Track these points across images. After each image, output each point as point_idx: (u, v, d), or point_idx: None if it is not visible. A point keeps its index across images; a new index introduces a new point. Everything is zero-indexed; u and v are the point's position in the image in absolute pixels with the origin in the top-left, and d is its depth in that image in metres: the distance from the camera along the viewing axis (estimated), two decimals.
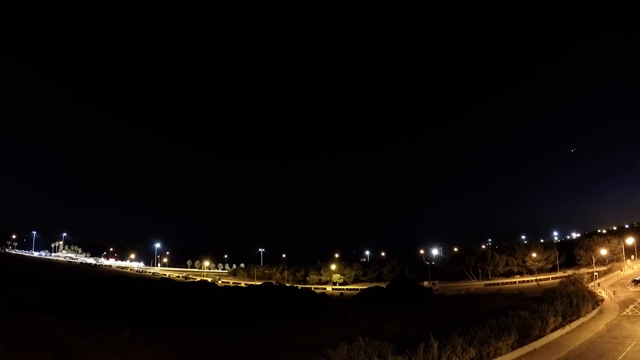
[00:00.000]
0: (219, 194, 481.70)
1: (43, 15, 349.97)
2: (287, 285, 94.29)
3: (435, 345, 30.66)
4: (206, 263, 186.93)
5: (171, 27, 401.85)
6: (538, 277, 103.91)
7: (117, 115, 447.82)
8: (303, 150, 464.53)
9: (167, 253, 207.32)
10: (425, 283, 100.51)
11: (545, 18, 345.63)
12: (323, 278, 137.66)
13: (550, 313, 43.78)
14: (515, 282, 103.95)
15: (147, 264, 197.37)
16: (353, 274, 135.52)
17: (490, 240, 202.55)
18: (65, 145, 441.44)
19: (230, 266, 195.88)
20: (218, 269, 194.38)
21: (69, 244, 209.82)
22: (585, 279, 74.56)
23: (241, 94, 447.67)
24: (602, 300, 60.59)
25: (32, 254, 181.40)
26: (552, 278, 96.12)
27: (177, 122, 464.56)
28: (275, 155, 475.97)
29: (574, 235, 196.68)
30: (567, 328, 44.75)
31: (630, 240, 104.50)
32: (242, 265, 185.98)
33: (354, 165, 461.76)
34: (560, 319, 44.62)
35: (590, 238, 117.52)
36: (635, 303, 58.23)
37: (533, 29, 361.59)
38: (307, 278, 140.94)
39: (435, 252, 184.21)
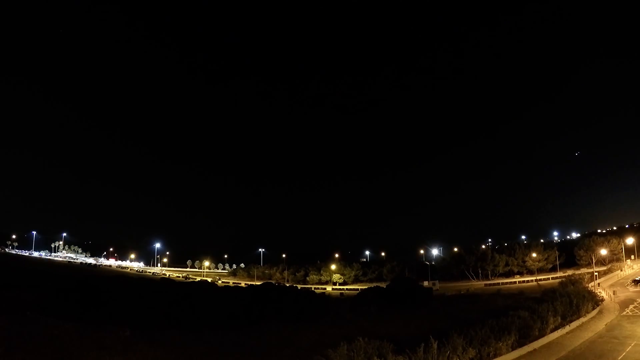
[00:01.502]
0: (219, 194, 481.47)
1: (42, 22, 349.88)
2: (287, 285, 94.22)
3: (435, 345, 30.61)
4: (206, 263, 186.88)
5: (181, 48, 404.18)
6: (538, 277, 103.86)
7: (119, 118, 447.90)
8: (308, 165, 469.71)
9: (167, 253, 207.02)
10: (425, 283, 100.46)
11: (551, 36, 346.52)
12: (323, 278, 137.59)
13: (550, 313, 43.68)
14: (515, 282, 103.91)
15: (147, 264, 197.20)
16: (353, 274, 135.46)
17: (490, 240, 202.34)
18: (65, 147, 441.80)
19: (230, 266, 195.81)
20: (218, 269, 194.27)
21: (69, 244, 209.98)
22: (585, 279, 74.61)
23: (245, 115, 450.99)
24: (602, 300, 60.48)
25: (32, 254, 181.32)
26: (552, 278, 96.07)
27: (178, 127, 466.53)
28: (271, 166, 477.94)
29: (574, 235, 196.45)
30: (567, 328, 44.68)
31: (630, 240, 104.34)
32: (242, 265, 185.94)
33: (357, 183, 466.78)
34: (560, 319, 44.51)
35: (590, 238, 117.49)
36: (635, 303, 58.17)
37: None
38: (307, 278, 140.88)
39: (435, 252, 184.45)
